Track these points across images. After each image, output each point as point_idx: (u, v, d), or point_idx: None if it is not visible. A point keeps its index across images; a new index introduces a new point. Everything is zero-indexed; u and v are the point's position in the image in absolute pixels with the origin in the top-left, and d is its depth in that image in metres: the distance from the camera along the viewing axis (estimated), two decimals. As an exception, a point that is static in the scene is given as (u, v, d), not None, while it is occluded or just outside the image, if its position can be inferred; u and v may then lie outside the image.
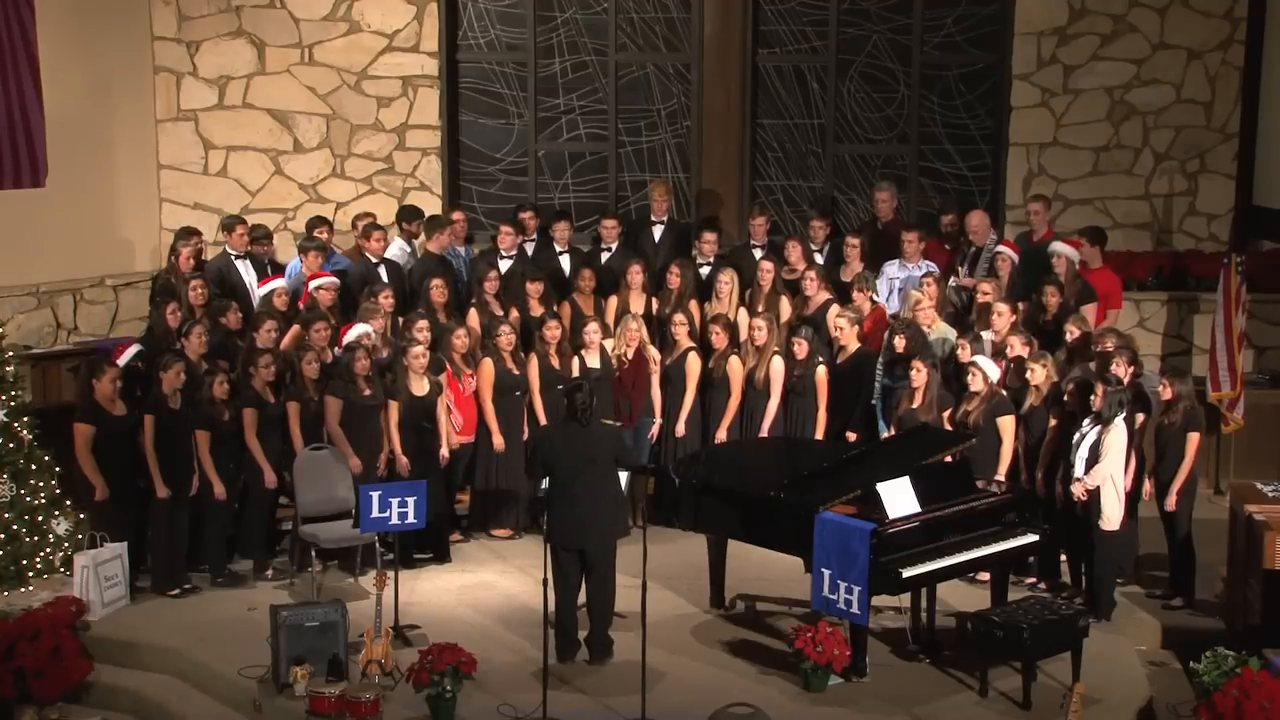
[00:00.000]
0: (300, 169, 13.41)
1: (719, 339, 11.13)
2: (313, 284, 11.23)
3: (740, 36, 13.26)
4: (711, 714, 7.85)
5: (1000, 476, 9.86)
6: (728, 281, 11.56)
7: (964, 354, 10.31)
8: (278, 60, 13.30)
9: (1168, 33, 12.99)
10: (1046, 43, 13.06)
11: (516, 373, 11.07)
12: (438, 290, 11.32)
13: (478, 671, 8.34)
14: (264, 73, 13.31)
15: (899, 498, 8.79)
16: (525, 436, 11.09)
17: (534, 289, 11.60)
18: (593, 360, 11.11)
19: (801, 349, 10.93)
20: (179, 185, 13.38)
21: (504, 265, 11.88)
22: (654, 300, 11.71)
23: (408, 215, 12.40)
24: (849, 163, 13.58)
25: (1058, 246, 11.43)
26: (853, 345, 10.96)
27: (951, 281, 11.64)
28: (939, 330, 10.90)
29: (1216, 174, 13.13)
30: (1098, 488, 9.46)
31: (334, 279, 11.32)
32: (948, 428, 10.07)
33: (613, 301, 11.74)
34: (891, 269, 11.78)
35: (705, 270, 11.95)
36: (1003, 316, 10.65)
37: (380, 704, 8.24)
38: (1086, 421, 9.60)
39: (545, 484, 8.94)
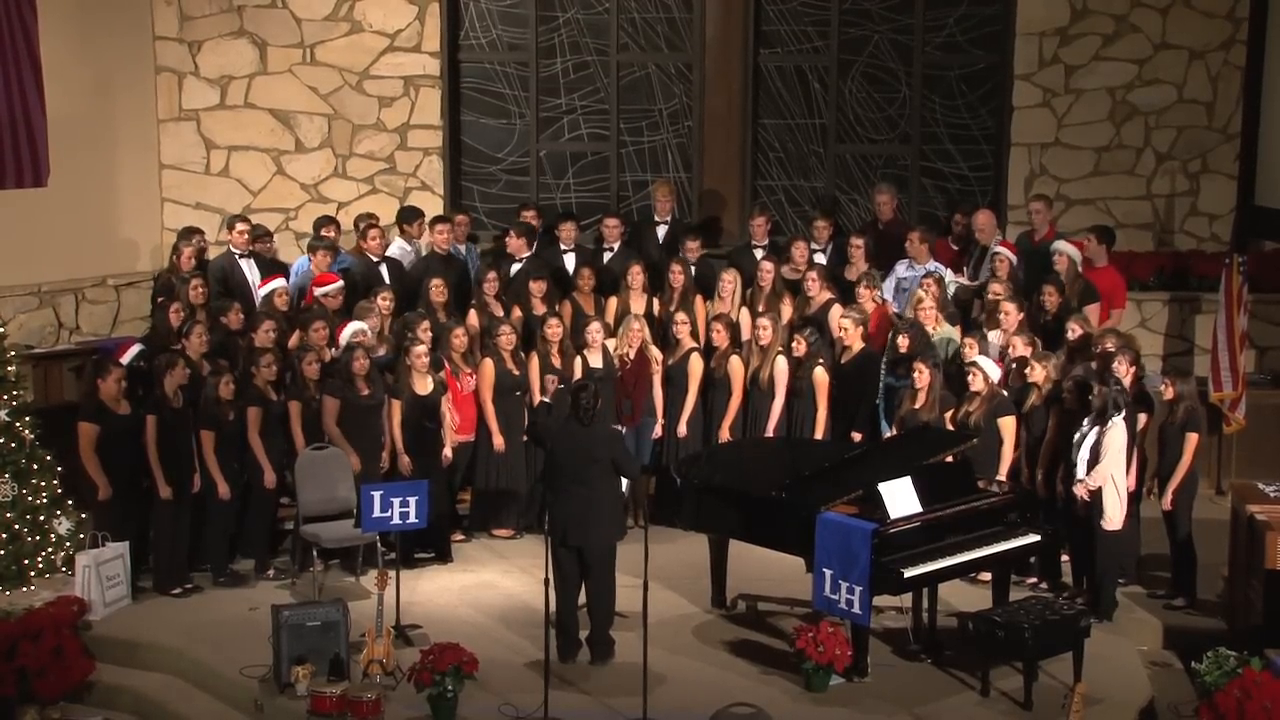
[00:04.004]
0: (302, 169, 13.41)
1: (720, 337, 11.13)
2: (319, 291, 11.23)
3: (742, 36, 13.27)
4: (713, 714, 7.86)
5: (1002, 476, 9.86)
6: (730, 281, 11.56)
7: (969, 353, 10.31)
8: (279, 60, 13.31)
9: (1169, 33, 12.97)
10: (1048, 43, 13.05)
11: (517, 373, 11.07)
12: (437, 290, 11.34)
13: (479, 671, 8.34)
14: (266, 72, 13.32)
15: (900, 498, 8.78)
16: (525, 437, 11.11)
17: (537, 288, 11.60)
18: (595, 360, 11.11)
19: (800, 348, 10.93)
20: (181, 185, 13.38)
21: (513, 268, 11.90)
22: (655, 300, 11.71)
23: (405, 216, 12.43)
24: (850, 163, 13.57)
25: (1060, 245, 11.44)
26: (857, 345, 10.94)
27: (949, 277, 11.61)
28: (942, 331, 10.90)
29: (1218, 174, 13.11)
30: (1099, 487, 9.47)
31: (340, 283, 11.32)
32: (949, 428, 10.08)
33: (613, 301, 11.74)
34: (900, 269, 11.76)
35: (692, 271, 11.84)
36: (1009, 316, 10.66)
37: (381, 704, 8.24)
38: (1086, 421, 9.60)
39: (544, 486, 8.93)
